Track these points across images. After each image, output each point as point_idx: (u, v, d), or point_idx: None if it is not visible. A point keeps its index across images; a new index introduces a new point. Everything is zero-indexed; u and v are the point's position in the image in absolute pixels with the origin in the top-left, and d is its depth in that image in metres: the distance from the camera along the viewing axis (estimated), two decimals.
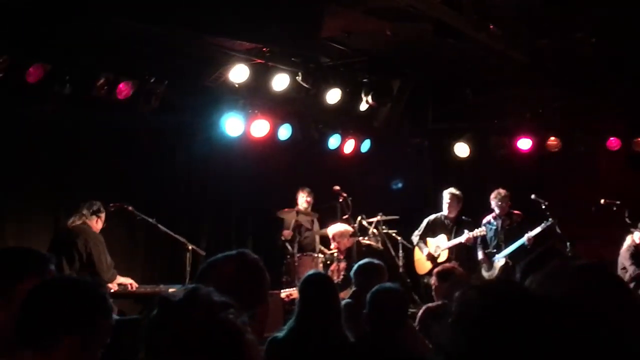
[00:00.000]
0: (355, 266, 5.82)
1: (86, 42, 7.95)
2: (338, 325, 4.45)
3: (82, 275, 7.30)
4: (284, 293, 9.39)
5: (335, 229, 9.89)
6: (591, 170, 12.13)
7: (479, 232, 9.90)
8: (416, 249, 10.39)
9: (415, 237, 10.35)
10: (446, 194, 10.27)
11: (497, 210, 10.14)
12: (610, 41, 9.09)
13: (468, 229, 9.98)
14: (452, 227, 10.19)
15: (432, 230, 10.29)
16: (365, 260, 6.09)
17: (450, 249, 10.05)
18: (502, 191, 10.15)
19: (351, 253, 9.66)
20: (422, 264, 10.21)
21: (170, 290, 7.99)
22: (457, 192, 10.27)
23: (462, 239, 9.89)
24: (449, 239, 10.10)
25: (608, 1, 8.12)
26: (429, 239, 10.27)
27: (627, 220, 9.92)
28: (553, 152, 11.96)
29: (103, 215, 8.26)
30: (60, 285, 2.71)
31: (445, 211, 10.25)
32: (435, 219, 10.35)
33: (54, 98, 8.17)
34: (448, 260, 9.76)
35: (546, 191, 10.62)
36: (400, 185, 12.73)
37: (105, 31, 7.76)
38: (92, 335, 2.60)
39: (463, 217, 10.29)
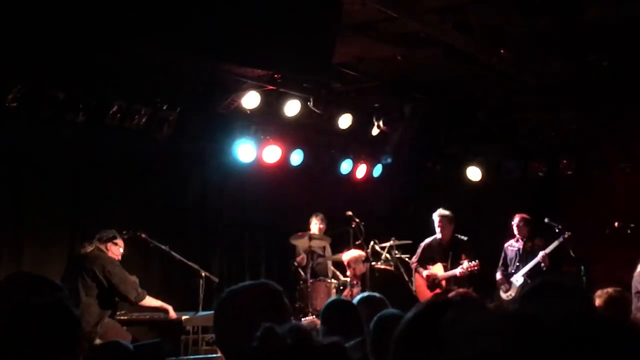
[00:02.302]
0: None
1: (99, 70, 8.02)
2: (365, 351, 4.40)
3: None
4: (304, 321, 9.37)
5: (349, 255, 9.84)
6: (606, 192, 12.06)
7: (472, 266, 9.70)
8: (416, 275, 10.28)
9: (412, 264, 10.28)
10: (435, 217, 10.11)
11: (516, 234, 10.18)
12: (623, 63, 9.08)
13: (464, 251, 9.88)
14: (448, 250, 10.04)
15: (429, 255, 10.13)
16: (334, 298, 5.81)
17: (448, 278, 9.94)
18: (522, 216, 10.19)
19: (365, 278, 9.61)
20: (423, 291, 10.05)
21: (185, 317, 7.99)
22: (447, 213, 10.11)
23: (456, 272, 9.74)
24: (445, 265, 9.96)
25: (620, 23, 8.12)
26: (428, 266, 10.14)
27: None
28: (567, 174, 11.92)
29: (119, 241, 8.14)
30: (37, 310, 2.70)
31: (438, 234, 10.16)
32: (430, 243, 10.19)
33: (68, 126, 8.24)
34: (447, 288, 9.67)
35: (561, 214, 10.58)
36: (389, 160, 12.48)
37: (118, 59, 7.83)
38: (74, 350, 2.62)
39: (457, 236, 10.15)
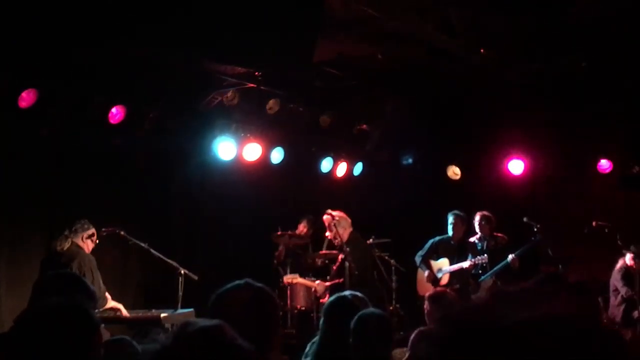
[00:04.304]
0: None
1: (79, 66, 7.97)
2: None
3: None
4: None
5: (334, 214, 9.63)
6: (583, 192, 12.15)
7: (481, 259, 9.74)
8: (419, 270, 10.30)
9: (417, 258, 10.25)
10: (450, 216, 10.12)
11: (478, 232, 10.12)
12: (601, 63, 9.15)
13: (472, 252, 9.91)
14: (456, 249, 10.07)
15: (436, 252, 10.12)
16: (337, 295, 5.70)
17: (452, 273, 9.96)
18: (483, 213, 10.13)
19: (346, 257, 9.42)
20: (424, 286, 10.10)
21: (163, 315, 7.95)
22: (461, 214, 10.10)
23: (464, 264, 9.78)
24: (451, 262, 10.00)
25: (599, 24, 8.19)
26: (432, 261, 10.17)
27: (619, 242, 9.93)
28: (545, 174, 11.99)
29: (90, 232, 8.03)
30: (52, 313, 2.70)
31: (450, 233, 10.14)
32: (440, 241, 10.18)
33: (47, 122, 8.18)
34: (449, 283, 9.71)
35: (538, 213, 10.64)
36: (410, 161, 12.58)
37: (99, 55, 7.79)
38: (94, 355, 2.62)
39: (467, 239, 10.19)
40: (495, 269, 9.78)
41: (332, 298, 4.94)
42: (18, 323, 2.64)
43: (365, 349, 4.25)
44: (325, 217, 9.66)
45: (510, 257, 9.64)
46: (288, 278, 9.84)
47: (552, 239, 9.99)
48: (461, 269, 9.81)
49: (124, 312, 8.13)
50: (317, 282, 9.91)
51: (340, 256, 9.44)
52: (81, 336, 2.61)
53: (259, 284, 2.96)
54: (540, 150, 11.94)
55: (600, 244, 10.32)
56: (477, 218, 10.11)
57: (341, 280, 9.36)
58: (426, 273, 10.06)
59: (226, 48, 7.71)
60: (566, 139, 11.59)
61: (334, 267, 9.77)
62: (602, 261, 10.29)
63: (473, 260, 9.70)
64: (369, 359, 4.25)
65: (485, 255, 9.79)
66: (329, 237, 9.71)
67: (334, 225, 9.53)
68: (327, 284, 9.80)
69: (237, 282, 2.97)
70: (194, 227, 10.63)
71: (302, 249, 10.76)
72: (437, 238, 10.22)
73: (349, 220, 9.64)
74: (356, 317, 4.34)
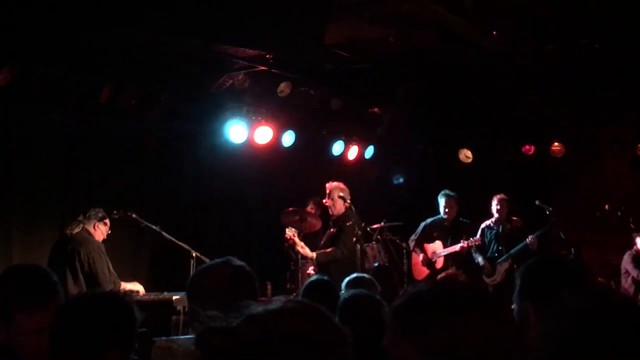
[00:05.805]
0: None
1: (91, 51, 7.96)
2: None
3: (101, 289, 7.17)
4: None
5: (334, 183, 9.37)
6: (596, 175, 12.11)
7: (473, 241, 9.71)
8: (413, 253, 10.29)
9: (411, 242, 10.24)
10: (441, 196, 10.07)
11: (496, 215, 10.09)
12: (614, 46, 9.08)
13: (466, 233, 9.87)
14: (449, 230, 10.03)
15: (430, 234, 10.11)
16: (314, 277, 5.58)
17: (447, 255, 9.93)
18: (501, 196, 10.12)
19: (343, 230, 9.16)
20: (419, 269, 10.10)
21: (175, 297, 7.98)
22: (452, 193, 10.07)
23: (456, 247, 9.74)
24: (445, 244, 9.96)
25: (612, 6, 8.11)
26: (426, 244, 10.15)
27: (631, 225, 9.90)
28: (558, 157, 11.95)
29: (108, 222, 8.14)
30: (91, 302, 2.76)
31: (442, 214, 10.12)
32: (432, 223, 10.16)
33: (59, 107, 8.19)
34: (445, 266, 9.69)
35: (551, 197, 10.62)
36: (401, 180, 12.67)
37: (110, 39, 7.78)
38: (127, 346, 2.65)
39: (461, 219, 10.15)
40: (512, 251, 9.80)
41: (310, 279, 4.93)
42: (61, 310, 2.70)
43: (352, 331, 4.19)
44: (327, 184, 9.39)
45: (530, 238, 9.64)
46: (290, 231, 9.57)
47: (565, 222, 9.96)
48: (455, 252, 9.78)
49: (142, 292, 8.17)
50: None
51: (333, 229, 9.25)
52: (116, 325, 2.67)
53: (240, 262, 2.96)
54: (553, 133, 11.90)
55: (613, 227, 10.30)
56: (494, 201, 10.11)
57: (329, 250, 9.05)
58: (421, 257, 10.04)
59: (236, 31, 7.67)
60: (579, 122, 11.54)
61: (322, 239, 9.51)
62: (615, 245, 10.26)
63: (465, 243, 9.67)
64: (356, 341, 4.19)
65: (478, 236, 9.79)
66: (326, 204, 9.49)
67: (331, 192, 9.24)
68: (314, 254, 9.37)
69: (217, 260, 2.98)
70: (205, 211, 10.65)
71: (313, 233, 10.73)
72: (429, 220, 10.19)
73: (346, 190, 9.24)
74: (341, 298, 4.30)
